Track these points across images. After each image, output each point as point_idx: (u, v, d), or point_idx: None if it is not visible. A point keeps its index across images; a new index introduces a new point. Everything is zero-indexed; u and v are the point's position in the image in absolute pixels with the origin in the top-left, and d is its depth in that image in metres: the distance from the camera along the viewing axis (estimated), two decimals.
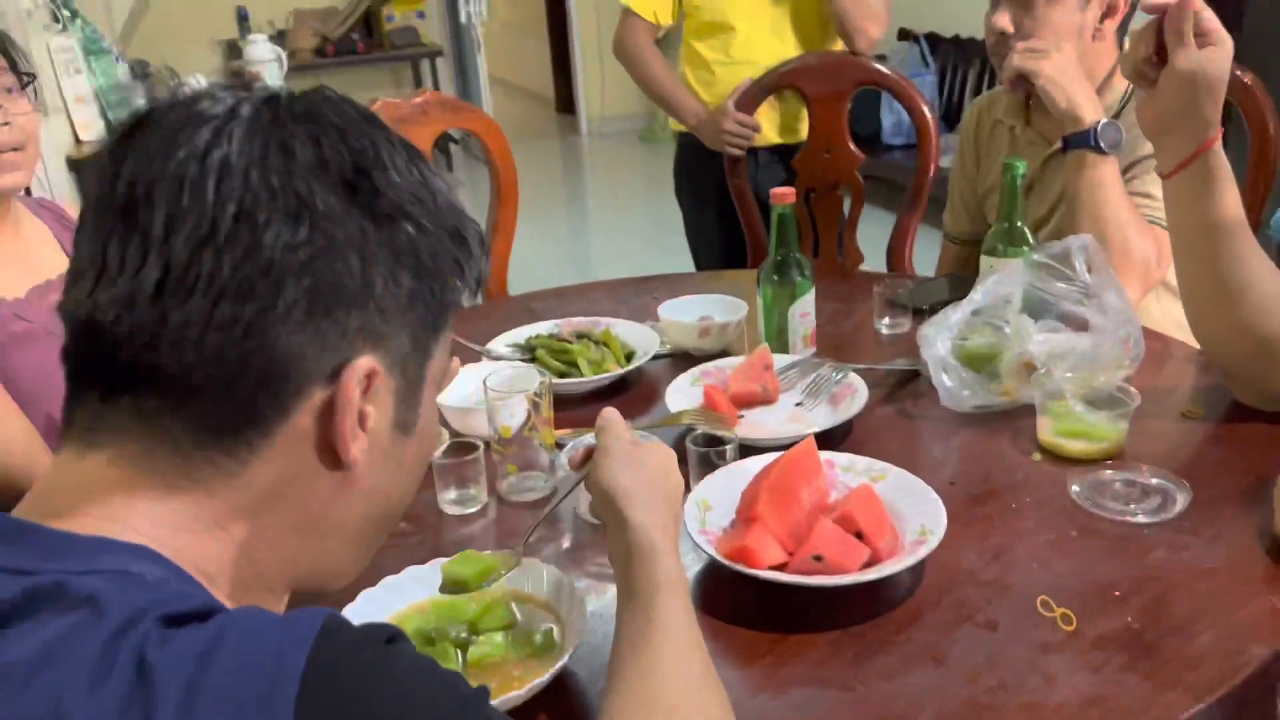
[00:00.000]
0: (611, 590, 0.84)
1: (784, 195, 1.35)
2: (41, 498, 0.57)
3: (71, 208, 1.48)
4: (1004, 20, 1.52)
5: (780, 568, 0.94)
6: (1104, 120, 1.43)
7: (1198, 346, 1.31)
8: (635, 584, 0.77)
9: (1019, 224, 1.39)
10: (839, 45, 2.27)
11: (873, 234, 2.28)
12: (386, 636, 0.53)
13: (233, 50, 5.52)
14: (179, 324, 0.52)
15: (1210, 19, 1.08)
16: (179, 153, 0.53)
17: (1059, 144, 1.52)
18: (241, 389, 0.54)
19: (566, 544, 1.07)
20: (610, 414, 0.89)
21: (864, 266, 2.24)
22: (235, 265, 0.52)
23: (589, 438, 0.90)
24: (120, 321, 0.53)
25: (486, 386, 1.13)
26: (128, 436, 0.55)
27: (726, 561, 0.93)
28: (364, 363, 0.57)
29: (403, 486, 0.65)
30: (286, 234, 0.53)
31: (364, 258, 0.55)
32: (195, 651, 0.47)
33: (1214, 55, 1.08)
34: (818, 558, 0.93)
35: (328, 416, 0.57)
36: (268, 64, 4.48)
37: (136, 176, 0.54)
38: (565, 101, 7.93)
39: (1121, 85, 1.57)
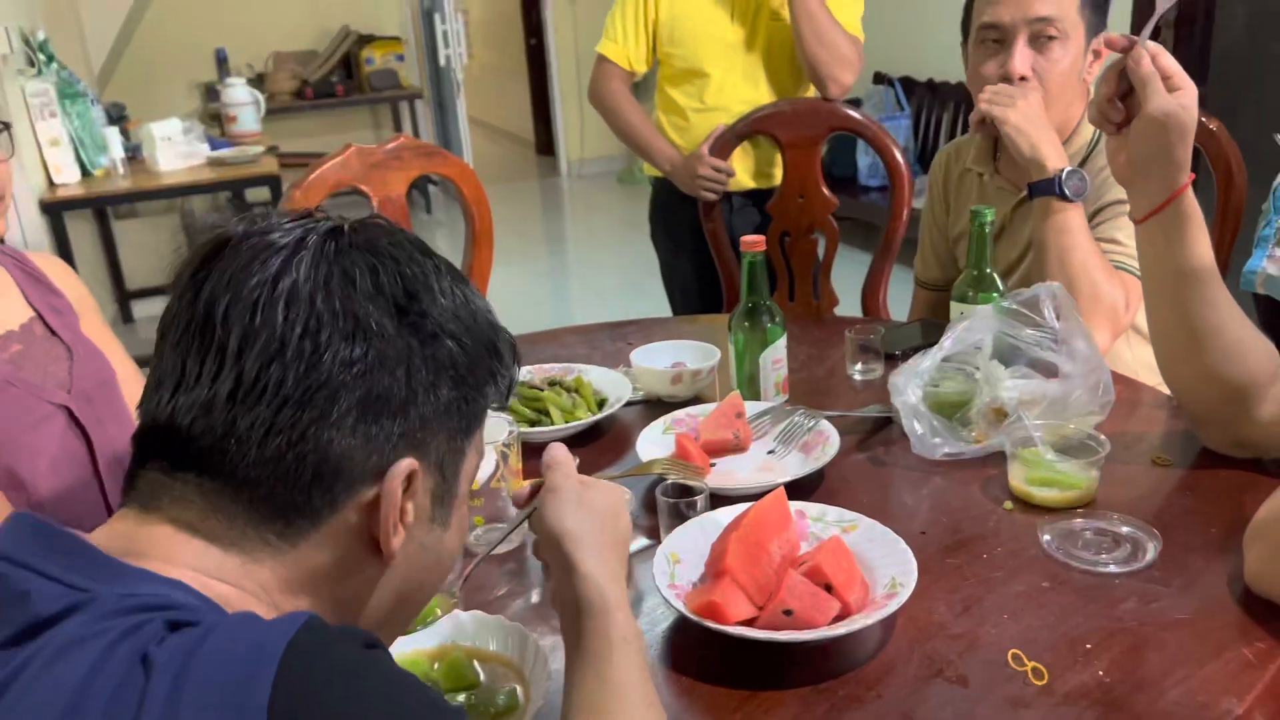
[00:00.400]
0: None
1: (754, 243, 1.36)
2: (101, 545, 0.61)
3: (40, 255, 1.46)
4: (1023, 64, 1.50)
5: (750, 622, 0.93)
6: (1068, 168, 1.45)
7: (1168, 392, 1.32)
8: (586, 640, 0.75)
9: (988, 271, 1.39)
10: (811, 91, 2.29)
11: (850, 274, 2.29)
12: (366, 641, 0.58)
13: (211, 93, 5.53)
14: (246, 427, 0.59)
15: (1171, 63, 1.10)
16: (252, 279, 0.60)
17: (1025, 191, 1.53)
18: (297, 484, 0.60)
19: (535, 599, 1.06)
20: (557, 450, 0.87)
21: (840, 308, 2.24)
22: (298, 379, 0.59)
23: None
24: (195, 423, 0.60)
25: None
26: (188, 506, 0.61)
27: (694, 617, 0.92)
28: (405, 464, 0.63)
29: (435, 574, 0.71)
30: (344, 352, 0.60)
31: (410, 372, 0.62)
32: (187, 645, 0.52)
33: (1184, 99, 1.09)
34: (788, 612, 0.92)
35: (372, 512, 0.63)
36: (245, 107, 4.48)
37: (215, 298, 0.60)
38: (545, 143, 7.98)
39: (1089, 130, 1.59)
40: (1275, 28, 3.50)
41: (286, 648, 0.52)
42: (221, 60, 5.59)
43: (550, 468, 0.86)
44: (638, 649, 0.75)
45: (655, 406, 1.47)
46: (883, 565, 0.99)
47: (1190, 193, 1.13)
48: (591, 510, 0.82)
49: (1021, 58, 1.50)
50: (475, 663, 0.90)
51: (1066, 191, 1.43)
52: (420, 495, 0.65)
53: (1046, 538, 1.07)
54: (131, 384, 1.41)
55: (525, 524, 0.86)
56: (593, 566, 0.78)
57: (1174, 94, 1.09)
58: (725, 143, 2.20)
